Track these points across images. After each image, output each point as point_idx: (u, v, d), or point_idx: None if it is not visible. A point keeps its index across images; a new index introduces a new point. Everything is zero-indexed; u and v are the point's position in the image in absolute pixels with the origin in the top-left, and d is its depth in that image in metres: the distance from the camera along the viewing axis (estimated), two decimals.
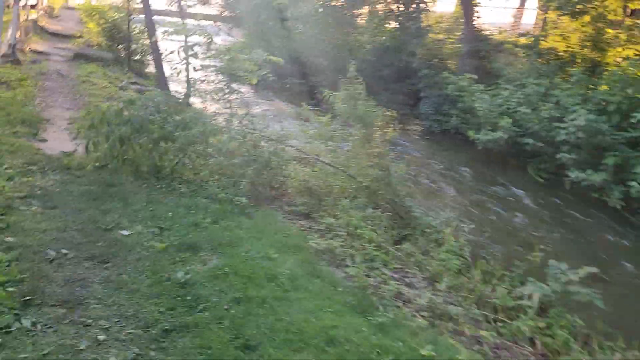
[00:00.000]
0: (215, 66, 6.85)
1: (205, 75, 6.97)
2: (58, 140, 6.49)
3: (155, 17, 16.67)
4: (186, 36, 6.81)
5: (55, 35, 18.17)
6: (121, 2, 19.29)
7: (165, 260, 3.89)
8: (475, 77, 11.77)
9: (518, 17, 38.29)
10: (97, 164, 5.50)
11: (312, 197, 5.89)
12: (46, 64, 12.43)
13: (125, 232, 4.22)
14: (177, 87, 13.04)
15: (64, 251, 3.78)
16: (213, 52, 6.76)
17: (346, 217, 5.21)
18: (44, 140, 6.36)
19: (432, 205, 7.84)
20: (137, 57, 15.02)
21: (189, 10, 21.21)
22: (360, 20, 17.36)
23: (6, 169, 5.09)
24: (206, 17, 18.30)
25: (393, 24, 16.22)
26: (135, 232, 4.25)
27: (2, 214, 4.13)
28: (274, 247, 4.44)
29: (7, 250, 3.65)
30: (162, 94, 5.70)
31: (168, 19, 21.72)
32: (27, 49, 13.44)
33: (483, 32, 14.51)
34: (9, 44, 11.20)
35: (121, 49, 15.75)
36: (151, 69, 15.18)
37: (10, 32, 11.25)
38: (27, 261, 3.55)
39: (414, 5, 16.11)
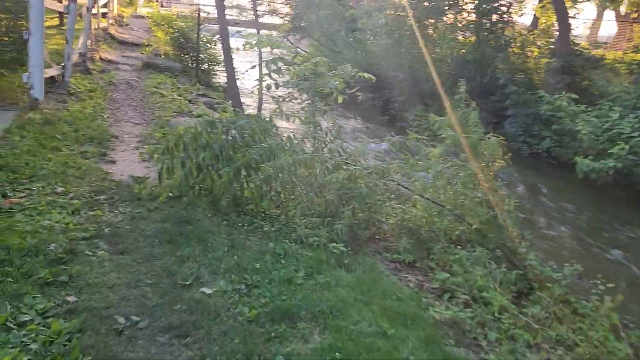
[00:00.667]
0: (292, 82, 6.06)
1: (289, 93, 6.18)
2: (127, 162, 5.87)
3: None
4: (271, 49, 6.04)
5: (124, 43, 18.20)
6: (190, 11, 19.17)
7: (257, 336, 3.05)
8: (576, 96, 10.45)
9: (594, 29, 35.79)
10: (171, 194, 4.79)
11: (414, 240, 4.94)
12: (115, 73, 12.17)
13: (207, 291, 3.42)
14: (246, 100, 12.48)
15: (135, 318, 3.02)
16: (297, 67, 5.96)
17: (465, 273, 4.22)
18: (113, 162, 5.75)
19: (541, 247, 6.69)
20: (204, 66, 14.62)
21: (250, 20, 20.87)
22: (435, 32, 16.28)
23: (71, 198, 4.45)
24: (275, 27, 17.83)
25: (473, 36, 15.03)
26: (218, 290, 3.44)
27: (64, 262, 3.44)
28: (386, 315, 3.51)
29: (69, 314, 2.93)
30: (246, 116, 4.93)
31: (234, 29, 21.51)
32: (97, 58, 13.28)
33: (577, 46, 13.10)
34: (79, 52, 10.95)
35: (189, 58, 15.45)
36: (219, 79, 14.77)
37: (81, 40, 11.02)
38: (92, 333, 2.81)
39: (496, 16, 14.90)
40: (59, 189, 4.56)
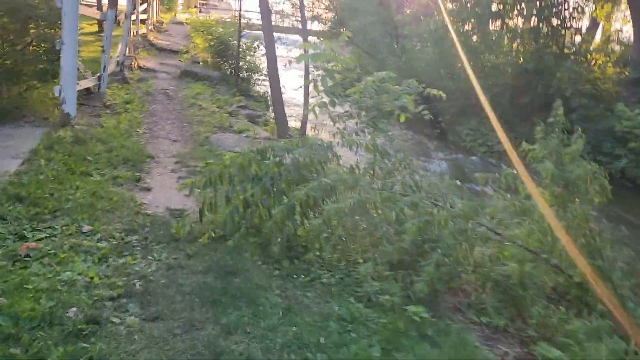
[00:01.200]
0: (353, 100, 5.28)
1: (346, 112, 5.40)
2: (164, 188, 5.19)
3: (261, 34, 15.73)
4: (327, 62, 5.26)
5: (163, 50, 17.85)
6: (229, 17, 18.69)
7: None
8: None
9: None
10: (213, 234, 4.06)
11: (502, 294, 4.05)
12: (153, 82, 11.67)
13: None
14: (287, 110, 11.77)
15: None
16: (357, 83, 5.19)
17: (581, 351, 3.32)
18: (148, 189, 5.08)
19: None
20: (243, 74, 14.02)
21: (292, 26, 20.28)
22: (487, 39, 15.21)
23: (99, 240, 3.77)
24: (317, 34, 17.16)
25: (530, 43, 13.92)
26: None
27: (84, 334, 2.73)
28: None
29: None
30: (302, 141, 4.16)
31: (275, 35, 20.97)
32: (134, 66, 12.86)
33: None
34: (117, 61, 10.49)
35: (228, 66, 14.90)
36: (259, 88, 14.13)
37: (119, 48, 10.55)
38: None
39: (557, 21, 13.78)
40: (85, 228, 3.89)
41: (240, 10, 12.79)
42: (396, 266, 3.94)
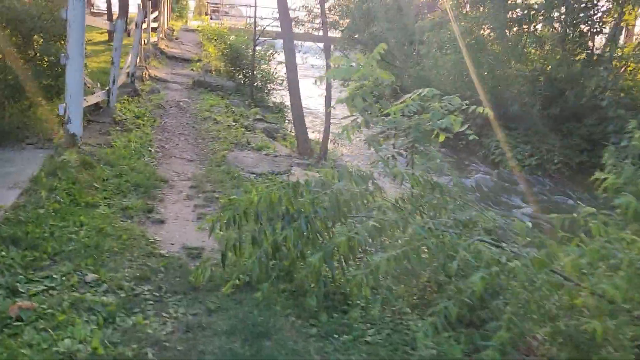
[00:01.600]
0: (391, 120, 4.71)
1: (384, 133, 4.83)
2: (179, 220, 4.63)
3: (275, 42, 15.23)
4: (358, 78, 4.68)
5: (174, 58, 17.42)
6: (243, 24, 18.24)
7: None
8: None
9: None
10: (237, 281, 3.48)
11: (577, 352, 3.43)
12: (165, 93, 11.20)
13: None
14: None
15: None
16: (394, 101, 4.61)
17: None
18: (161, 222, 4.52)
19: None
20: (257, 83, 13.51)
21: (309, 33, 19.76)
22: (511, 45, 14.55)
23: (105, 292, 3.21)
24: (333, 41, 16.64)
25: (559, 50, 13.25)
26: None
27: None
28: None
29: None
30: (342, 175, 3.56)
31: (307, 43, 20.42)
32: (146, 76, 12.40)
33: None
34: (127, 72, 10.00)
35: (242, 75, 14.42)
36: (274, 98, 13.60)
37: (129, 59, 10.07)
38: None
39: (586, 27, 13.11)
40: (89, 276, 3.34)
41: (255, 17, 12.26)
42: (454, 323, 3.33)
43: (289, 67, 7.83)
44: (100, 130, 6.87)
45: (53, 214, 4.04)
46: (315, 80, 5.52)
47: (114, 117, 7.54)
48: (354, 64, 4.66)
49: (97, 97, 7.12)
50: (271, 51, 14.27)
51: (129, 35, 8.25)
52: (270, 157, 7.06)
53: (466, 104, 5.00)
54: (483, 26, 13.44)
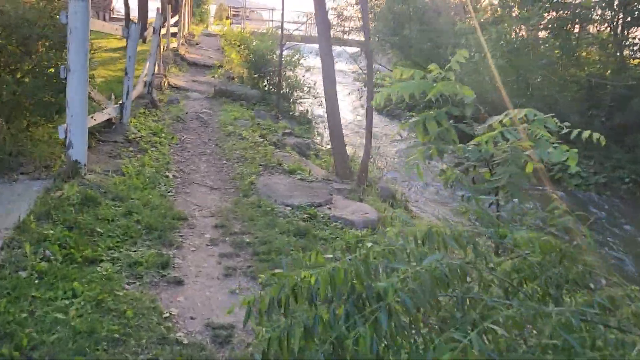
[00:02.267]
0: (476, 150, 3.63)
1: (459, 165, 3.76)
2: (201, 279, 3.63)
3: (301, 46, 14.23)
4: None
5: (195, 65, 16.59)
6: (267, 29, 17.34)
7: None
8: None
9: None
10: None
11: None
12: (185, 104, 10.29)
13: None
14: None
15: None
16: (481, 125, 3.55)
17: None
18: (179, 283, 3.52)
19: None
20: (284, 91, 12.53)
21: (337, 37, 18.72)
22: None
23: None
24: (359, 44, 15.65)
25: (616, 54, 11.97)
26: None
27: None
28: None
29: None
30: (431, 237, 2.53)
31: (312, 46, 19.44)
32: (165, 84, 11.52)
33: None
34: (144, 81, 9.11)
35: (267, 83, 13.46)
36: (300, 106, 12.60)
37: (147, 67, 9.18)
38: None
39: None
40: None
41: (282, 21, 11.27)
42: None
43: (327, 78, 6.80)
44: (111, 153, 5.95)
45: (37, 279, 3.07)
46: (360, 96, 4.41)
47: (127, 135, 6.62)
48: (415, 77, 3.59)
49: (106, 114, 6.20)
50: (297, 56, 13.28)
51: (144, 42, 7.34)
52: (306, 183, 6.04)
53: (567, 128, 3.92)
54: (532, 27, 12.23)
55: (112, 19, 25.01)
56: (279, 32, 16.73)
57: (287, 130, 9.09)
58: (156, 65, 11.25)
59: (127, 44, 6.55)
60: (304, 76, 12.73)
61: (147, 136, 6.98)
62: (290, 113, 11.83)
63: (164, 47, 13.97)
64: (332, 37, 16.81)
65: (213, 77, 14.62)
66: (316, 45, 17.26)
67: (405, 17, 14.34)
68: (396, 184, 8.23)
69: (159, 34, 9.10)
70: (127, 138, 6.60)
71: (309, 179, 6.15)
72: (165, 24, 14.56)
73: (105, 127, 6.61)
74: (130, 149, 6.33)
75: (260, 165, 6.52)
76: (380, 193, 6.93)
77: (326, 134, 11.50)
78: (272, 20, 30.48)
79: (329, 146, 8.61)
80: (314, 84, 12.32)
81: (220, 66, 16.17)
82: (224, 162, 6.64)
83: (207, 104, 10.88)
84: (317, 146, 8.94)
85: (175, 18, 16.81)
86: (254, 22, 32.75)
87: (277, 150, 7.42)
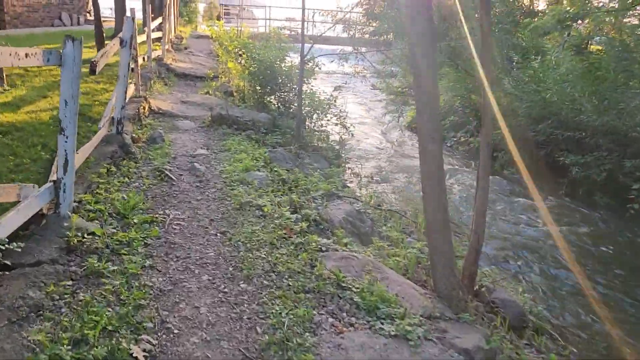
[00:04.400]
0: None
1: None
2: None
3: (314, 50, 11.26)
4: None
5: (184, 76, 13.61)
6: (272, 30, 14.32)
7: None
8: None
9: None
10: None
11: None
12: (172, 141, 7.40)
13: None
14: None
15: None
16: None
17: None
18: None
19: None
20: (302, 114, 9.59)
21: (339, 36, 15.80)
22: None
23: None
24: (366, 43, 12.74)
25: None
26: None
27: None
28: None
29: None
30: None
31: (325, 47, 16.50)
32: (145, 111, 8.59)
33: None
34: (109, 119, 6.21)
35: (277, 101, 10.56)
36: (315, 129, 9.65)
37: (114, 98, 6.28)
38: None
39: None
40: None
41: (303, 20, 8.25)
42: None
43: (427, 122, 3.83)
44: (24, 295, 3.02)
45: None
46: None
47: (67, 239, 3.69)
48: None
49: (21, 212, 3.28)
50: (311, 64, 10.35)
51: (93, 72, 4.34)
52: (404, 342, 3.15)
53: None
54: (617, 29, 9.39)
55: (88, 22, 21.88)
56: (284, 32, 13.79)
57: (321, 186, 6.17)
58: (131, 87, 8.30)
59: (61, 76, 3.60)
60: (325, 93, 9.81)
61: (106, 231, 4.06)
62: (311, 143, 8.90)
63: (144, 58, 11.01)
64: (349, 36, 13.89)
65: (207, 93, 11.71)
66: (329, 46, 14.20)
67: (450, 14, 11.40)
68: (520, 286, 5.31)
69: (129, 47, 6.14)
70: (67, 244, 3.68)
71: (405, 328, 3.25)
72: (145, 28, 11.59)
73: (28, 229, 3.69)
74: (71, 264, 3.42)
75: (307, 292, 3.61)
76: (504, 314, 4.09)
77: (361, 169, 8.63)
78: (269, 19, 27.44)
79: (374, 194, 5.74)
80: (343, 108, 9.42)
81: (215, 77, 13.24)
82: (241, 282, 3.72)
83: (202, 139, 7.96)
84: (374, 217, 6.00)
85: (159, 20, 13.82)
86: (246, 21, 29.71)
87: (324, 241, 4.51)
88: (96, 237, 3.90)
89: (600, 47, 10.19)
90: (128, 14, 15.64)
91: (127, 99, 8.20)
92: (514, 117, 9.90)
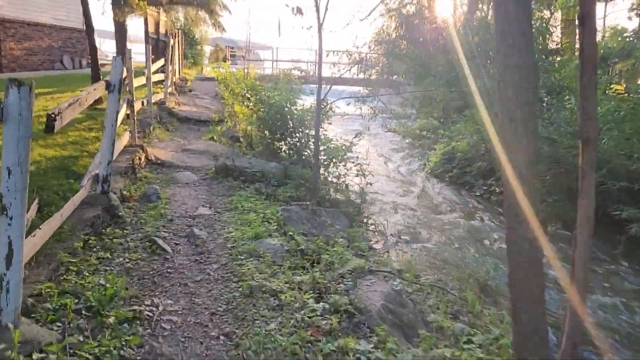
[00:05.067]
0: None
1: None
2: None
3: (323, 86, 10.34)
4: None
5: (187, 120, 12.74)
6: (283, 72, 13.52)
7: None
8: None
9: None
10: None
11: None
12: (169, 197, 6.37)
13: None
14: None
15: None
16: None
17: None
18: None
19: None
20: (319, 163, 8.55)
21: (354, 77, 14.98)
22: None
23: None
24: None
25: None
26: None
27: None
28: None
29: None
30: None
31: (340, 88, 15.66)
32: (141, 162, 7.60)
33: None
34: (94, 176, 5.19)
35: (288, 148, 9.60)
36: (336, 189, 8.56)
37: (99, 154, 5.30)
38: None
39: None
40: None
41: (319, 61, 7.30)
42: None
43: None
44: None
45: None
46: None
47: None
48: None
49: None
50: (328, 106, 9.41)
51: (48, 130, 3.32)
52: None
53: None
54: None
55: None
56: (294, 72, 12.96)
57: (348, 252, 5.06)
58: (126, 135, 7.35)
59: (3, 136, 2.58)
60: (343, 139, 8.81)
61: (67, 343, 2.93)
62: (328, 196, 7.82)
63: (142, 102, 10.13)
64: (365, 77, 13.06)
65: (212, 139, 10.77)
66: (346, 87, 13.35)
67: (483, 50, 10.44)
68: None
69: (120, 90, 5.18)
70: None
71: None
72: (145, 70, 10.78)
73: None
74: None
75: None
76: None
77: (386, 227, 7.50)
78: (276, 60, 26.98)
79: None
80: (364, 158, 8.41)
81: (220, 121, 12.36)
82: None
83: (205, 194, 6.92)
84: (400, 275, 4.86)
85: (161, 62, 13.07)
86: (252, 63, 29.32)
87: (363, 347, 3.35)
88: (50, 356, 2.78)
89: None
90: (139, 55, 14.97)
91: (121, 149, 7.25)
92: (552, 163, 8.80)
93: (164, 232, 5.23)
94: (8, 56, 16.02)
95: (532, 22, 3.29)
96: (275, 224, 5.72)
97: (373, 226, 7.51)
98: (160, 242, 4.82)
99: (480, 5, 14.73)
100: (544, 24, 11.06)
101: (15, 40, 16.41)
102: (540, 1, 12.71)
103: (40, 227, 3.64)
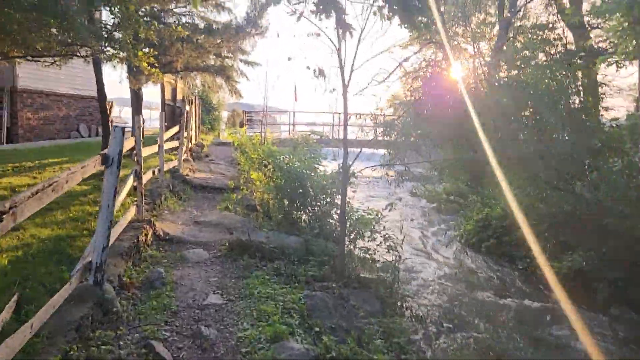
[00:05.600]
0: None
1: None
2: None
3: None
4: None
5: (202, 188, 12.09)
6: (300, 137, 12.96)
7: None
8: None
9: None
10: None
11: None
12: (175, 283, 5.54)
13: None
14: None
15: None
16: None
17: None
18: None
19: None
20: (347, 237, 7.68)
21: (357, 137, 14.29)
22: None
23: None
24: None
25: None
26: None
27: None
28: None
29: None
30: None
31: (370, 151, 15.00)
32: (147, 238, 6.84)
33: None
34: (85, 265, 4.41)
35: (309, 218, 8.82)
36: (363, 265, 7.63)
37: (92, 242, 4.56)
38: None
39: None
40: None
41: (345, 124, 6.62)
42: None
43: None
44: None
45: None
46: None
47: None
48: None
49: None
50: (352, 175, 8.65)
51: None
52: None
53: None
54: None
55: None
56: (313, 137, 12.38)
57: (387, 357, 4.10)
58: (132, 210, 6.66)
59: None
60: (370, 209, 7.99)
61: None
62: (354, 274, 6.89)
63: (153, 172, 9.55)
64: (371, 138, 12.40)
65: (226, 209, 10.03)
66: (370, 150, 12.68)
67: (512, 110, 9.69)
68: None
69: (118, 165, 4.51)
70: None
71: None
72: (157, 138, 10.30)
73: None
74: None
75: None
76: None
77: (426, 312, 6.49)
78: (292, 124, 26.80)
79: None
80: (390, 229, 7.56)
81: (236, 188, 11.70)
82: None
83: (216, 276, 6.07)
84: None
85: (176, 129, 12.67)
86: (269, 127, 29.22)
87: None
88: None
89: None
90: (154, 121, 14.64)
91: (126, 224, 6.53)
92: (600, 233, 7.79)
93: (165, 331, 4.37)
94: (25, 126, 15.89)
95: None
96: (298, 316, 4.82)
97: (409, 311, 6.53)
98: (159, 348, 3.95)
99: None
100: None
101: (32, 110, 16.36)
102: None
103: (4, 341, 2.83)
